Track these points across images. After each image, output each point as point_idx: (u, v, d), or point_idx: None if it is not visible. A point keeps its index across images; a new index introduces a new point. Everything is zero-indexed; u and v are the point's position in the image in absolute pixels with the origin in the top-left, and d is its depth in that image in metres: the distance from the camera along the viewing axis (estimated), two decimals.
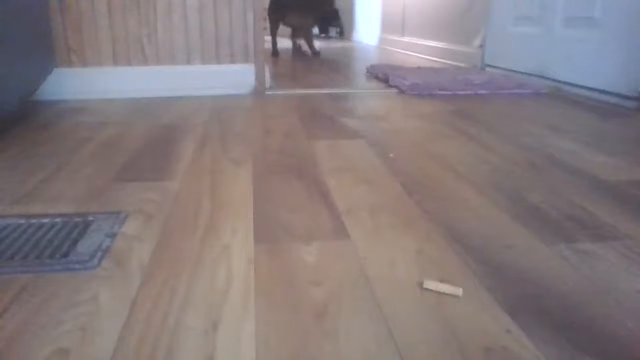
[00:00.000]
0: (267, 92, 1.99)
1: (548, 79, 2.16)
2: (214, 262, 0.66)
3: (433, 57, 3.40)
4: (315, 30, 6.22)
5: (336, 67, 2.94)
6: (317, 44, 5.06)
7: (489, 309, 0.56)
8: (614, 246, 0.71)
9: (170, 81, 1.95)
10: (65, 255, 0.68)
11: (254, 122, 1.49)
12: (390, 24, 4.42)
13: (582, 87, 1.96)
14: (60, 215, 0.81)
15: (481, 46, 2.74)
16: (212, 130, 1.39)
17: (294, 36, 3.98)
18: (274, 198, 0.89)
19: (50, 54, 1.74)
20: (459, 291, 0.59)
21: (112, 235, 0.74)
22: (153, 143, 1.26)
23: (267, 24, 3.51)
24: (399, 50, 4.12)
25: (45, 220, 0.78)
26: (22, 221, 0.78)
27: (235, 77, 1.97)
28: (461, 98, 1.92)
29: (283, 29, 3.91)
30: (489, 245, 0.72)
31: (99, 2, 1.85)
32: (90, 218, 0.80)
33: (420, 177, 1.00)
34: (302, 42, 3.91)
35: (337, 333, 0.52)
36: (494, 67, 2.63)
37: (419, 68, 2.69)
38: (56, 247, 0.70)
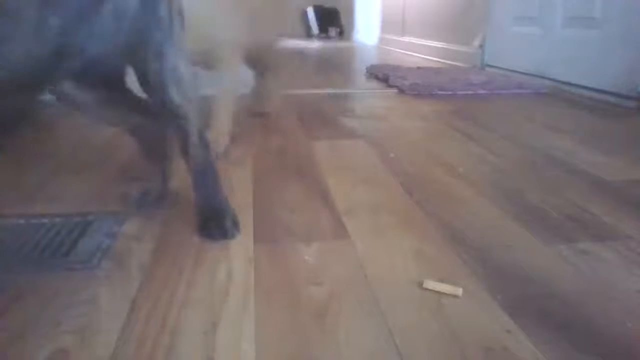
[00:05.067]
0: None
1: (548, 79, 2.16)
2: (214, 262, 0.66)
3: (433, 57, 3.40)
4: (316, 29, 6.25)
5: (336, 67, 2.94)
6: (317, 44, 5.08)
7: (489, 309, 0.56)
8: (614, 246, 0.71)
9: None
10: (65, 255, 0.68)
11: (254, 122, 1.49)
12: (390, 24, 4.42)
13: (582, 87, 1.96)
14: (60, 215, 0.81)
15: (481, 46, 2.74)
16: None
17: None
18: (274, 198, 0.89)
19: None
20: (458, 291, 0.59)
21: (112, 235, 0.74)
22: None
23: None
24: (399, 50, 4.12)
25: (45, 220, 0.78)
26: (22, 221, 0.78)
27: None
28: (461, 98, 1.92)
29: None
30: (489, 245, 0.72)
31: None
32: (90, 218, 0.80)
33: (420, 177, 1.00)
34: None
35: (337, 333, 0.52)
36: (494, 67, 2.63)
37: (419, 68, 2.69)
38: (56, 247, 0.70)
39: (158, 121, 0.85)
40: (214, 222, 0.74)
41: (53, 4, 0.54)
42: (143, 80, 0.72)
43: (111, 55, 0.67)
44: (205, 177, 0.78)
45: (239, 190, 0.93)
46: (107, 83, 0.77)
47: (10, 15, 0.50)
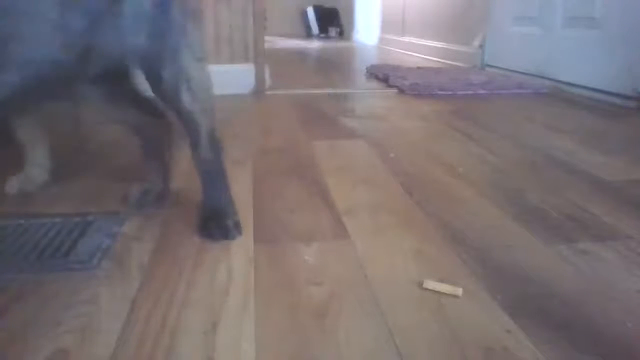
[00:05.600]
0: (267, 92, 1.99)
1: (548, 79, 2.16)
2: (214, 262, 0.66)
3: (433, 57, 3.40)
4: (316, 29, 6.24)
5: (336, 67, 2.94)
6: (317, 44, 5.08)
7: (489, 309, 0.56)
8: (614, 246, 0.71)
9: None
10: (65, 255, 0.68)
11: (254, 122, 1.49)
12: (390, 24, 4.42)
13: (582, 87, 1.96)
14: (60, 215, 0.81)
15: (481, 46, 2.74)
16: None
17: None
18: (274, 198, 0.89)
19: None
20: (458, 291, 0.59)
21: (112, 236, 0.74)
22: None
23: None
24: (399, 50, 4.12)
25: (45, 220, 0.78)
26: (22, 221, 0.78)
27: (235, 77, 1.97)
28: (461, 98, 1.92)
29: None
30: (489, 245, 0.72)
31: None
32: (90, 218, 0.80)
33: (420, 177, 1.00)
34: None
35: (337, 333, 0.52)
36: (494, 67, 2.63)
37: (419, 68, 2.69)
38: (56, 247, 0.70)
39: (160, 121, 0.86)
40: (215, 222, 0.74)
41: (75, 6, 0.54)
42: (155, 84, 0.71)
43: (128, 58, 0.67)
44: (212, 177, 0.78)
45: (239, 190, 0.93)
46: (111, 79, 0.78)
47: (29, 15, 0.49)
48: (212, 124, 0.77)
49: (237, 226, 0.75)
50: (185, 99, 0.73)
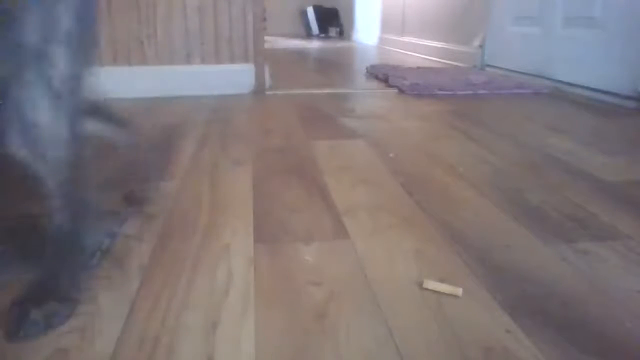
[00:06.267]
0: (267, 92, 1.99)
1: (548, 79, 2.16)
2: (214, 262, 0.66)
3: (433, 57, 3.40)
4: (316, 29, 6.25)
5: (336, 67, 2.94)
6: (317, 44, 5.08)
7: (489, 309, 0.56)
8: (614, 246, 0.71)
9: (170, 81, 1.95)
10: None
11: (254, 122, 1.49)
12: (390, 24, 4.42)
13: (582, 87, 1.96)
14: None
15: (481, 46, 2.74)
16: (212, 131, 1.39)
17: None
18: (274, 198, 0.89)
19: None
20: (458, 291, 0.59)
21: (112, 236, 0.74)
22: (153, 143, 1.26)
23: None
24: (398, 50, 4.12)
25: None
26: (22, 221, 0.78)
27: (235, 77, 1.97)
28: (461, 98, 1.92)
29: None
30: (489, 245, 0.72)
31: (100, 3, 1.85)
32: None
33: (420, 177, 1.00)
34: None
35: (337, 333, 0.52)
36: (494, 67, 2.63)
37: (419, 68, 2.69)
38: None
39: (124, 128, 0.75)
40: (30, 303, 0.53)
41: None
42: None
43: None
44: (58, 246, 0.59)
45: (239, 190, 0.93)
46: None
47: None
48: (70, 180, 0.58)
49: (49, 318, 0.52)
50: (15, 142, 0.53)
